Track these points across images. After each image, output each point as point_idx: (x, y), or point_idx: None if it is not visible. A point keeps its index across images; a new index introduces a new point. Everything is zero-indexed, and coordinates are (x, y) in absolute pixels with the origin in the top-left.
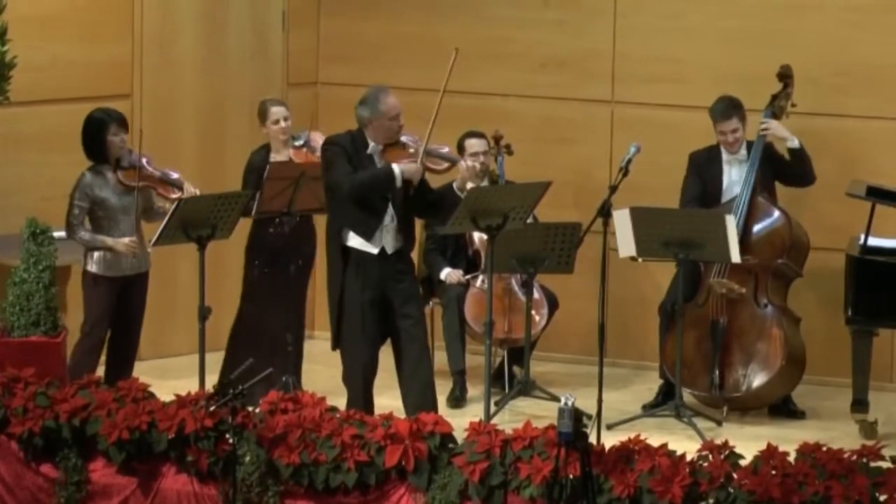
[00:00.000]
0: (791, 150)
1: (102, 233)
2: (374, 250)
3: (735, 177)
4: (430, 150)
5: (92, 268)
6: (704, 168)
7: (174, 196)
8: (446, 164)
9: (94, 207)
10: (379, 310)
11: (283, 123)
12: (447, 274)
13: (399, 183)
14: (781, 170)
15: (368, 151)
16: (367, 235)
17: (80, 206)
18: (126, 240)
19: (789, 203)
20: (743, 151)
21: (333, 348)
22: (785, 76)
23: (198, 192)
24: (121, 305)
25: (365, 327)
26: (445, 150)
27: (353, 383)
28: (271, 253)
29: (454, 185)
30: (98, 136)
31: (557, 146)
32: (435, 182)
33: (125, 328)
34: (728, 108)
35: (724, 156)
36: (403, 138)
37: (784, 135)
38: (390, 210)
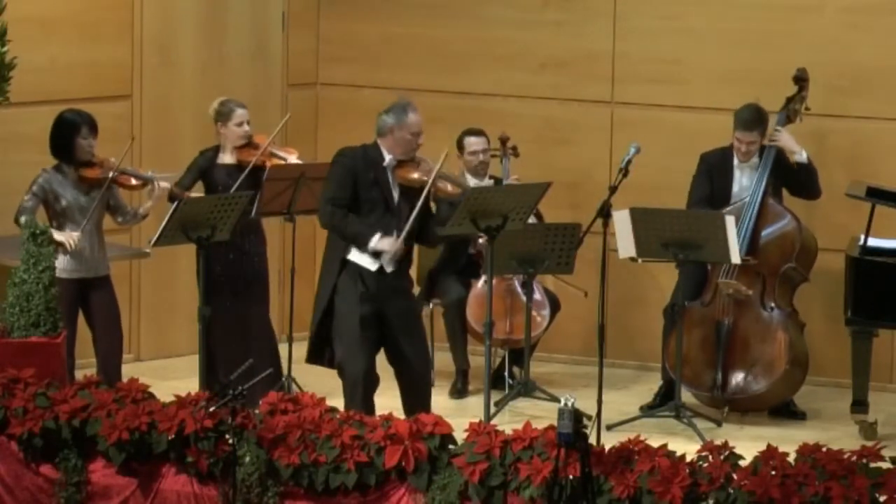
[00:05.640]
0: (798, 164)
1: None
2: (374, 267)
3: (745, 182)
4: (443, 175)
5: None
6: (716, 170)
7: (147, 189)
8: (458, 191)
9: (50, 204)
10: (375, 324)
11: (246, 127)
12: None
13: (369, 251)
14: (790, 179)
15: (385, 164)
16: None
17: (35, 195)
18: (69, 233)
19: (793, 205)
20: (755, 158)
21: (309, 360)
22: (800, 79)
23: (169, 186)
24: (89, 310)
25: (363, 341)
26: (458, 179)
27: (354, 397)
28: (220, 257)
29: None
30: (68, 137)
31: (557, 147)
32: None
33: (100, 333)
34: (752, 121)
35: (736, 161)
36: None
37: (793, 148)
38: (395, 233)
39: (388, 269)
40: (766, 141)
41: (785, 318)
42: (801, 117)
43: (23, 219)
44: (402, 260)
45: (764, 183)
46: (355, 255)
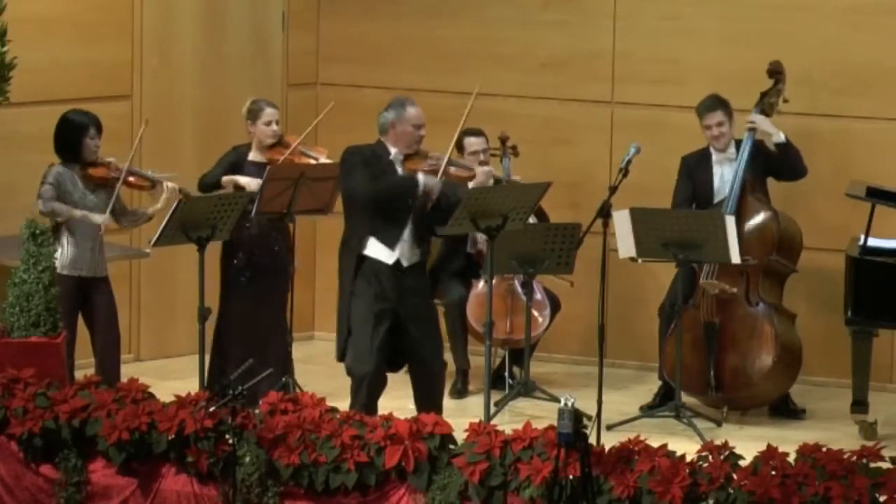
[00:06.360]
0: (777, 146)
1: (67, 231)
2: (391, 260)
3: (727, 177)
4: (453, 161)
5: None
6: (695, 171)
7: (153, 191)
8: (468, 174)
9: (59, 198)
10: (389, 324)
11: (274, 126)
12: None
13: (421, 191)
14: (773, 165)
15: (391, 158)
16: (390, 243)
17: (52, 185)
18: (96, 214)
19: (787, 204)
20: (732, 150)
21: (339, 359)
22: (775, 72)
23: (176, 187)
24: (87, 310)
25: (373, 340)
26: (466, 163)
27: (358, 396)
28: (243, 252)
29: None
30: (76, 137)
31: (557, 147)
32: None
33: (98, 333)
34: (713, 103)
35: (715, 156)
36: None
37: (769, 130)
38: (409, 222)
39: (405, 263)
40: (746, 128)
41: (770, 311)
42: (779, 111)
43: (53, 204)
44: (420, 257)
45: (741, 177)
46: (371, 250)
